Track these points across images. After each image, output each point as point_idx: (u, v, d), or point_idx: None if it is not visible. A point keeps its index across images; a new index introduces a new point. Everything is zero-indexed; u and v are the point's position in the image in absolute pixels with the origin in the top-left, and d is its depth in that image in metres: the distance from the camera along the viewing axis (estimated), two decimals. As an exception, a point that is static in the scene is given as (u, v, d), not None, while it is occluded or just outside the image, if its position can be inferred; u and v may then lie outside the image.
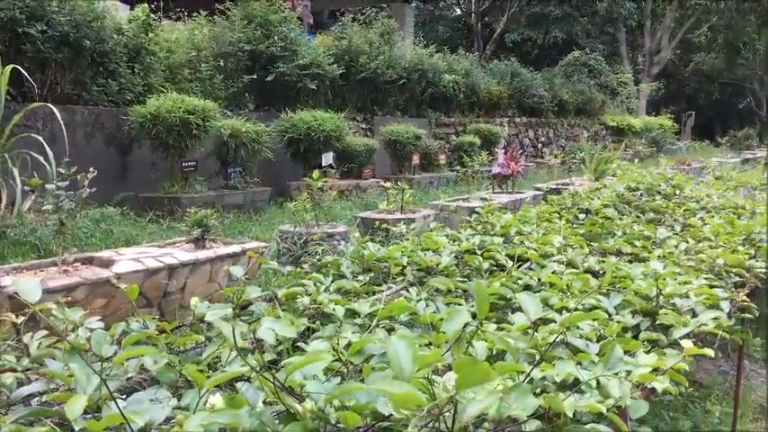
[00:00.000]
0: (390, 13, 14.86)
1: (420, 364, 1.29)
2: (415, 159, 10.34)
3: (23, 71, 5.76)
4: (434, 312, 2.60)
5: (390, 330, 2.38)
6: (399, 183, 9.43)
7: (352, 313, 2.52)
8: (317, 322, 2.50)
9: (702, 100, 33.18)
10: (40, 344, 2.00)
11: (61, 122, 6.02)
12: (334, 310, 2.45)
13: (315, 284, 2.77)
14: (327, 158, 8.49)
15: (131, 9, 8.37)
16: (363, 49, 10.77)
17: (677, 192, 6.45)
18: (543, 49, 25.47)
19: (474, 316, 2.56)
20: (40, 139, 5.76)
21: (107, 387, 1.24)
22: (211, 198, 6.87)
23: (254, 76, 8.90)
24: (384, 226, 4.76)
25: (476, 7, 23.71)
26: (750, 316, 2.86)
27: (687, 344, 1.93)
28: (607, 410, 1.70)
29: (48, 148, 5.61)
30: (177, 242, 4.00)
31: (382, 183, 6.79)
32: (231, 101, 8.65)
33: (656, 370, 1.87)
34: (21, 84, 6.20)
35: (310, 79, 9.25)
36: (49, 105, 6.03)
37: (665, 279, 2.84)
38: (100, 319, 3.21)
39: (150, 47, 7.71)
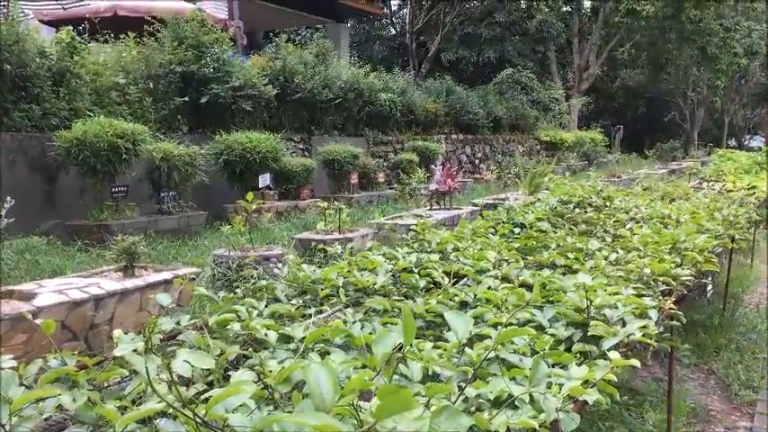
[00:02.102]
0: (326, 33, 14.90)
1: (344, 392, 1.26)
2: (354, 178, 10.34)
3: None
4: (370, 333, 2.58)
5: (324, 354, 2.33)
6: (338, 202, 9.42)
7: (285, 338, 2.46)
8: (250, 349, 2.44)
9: (630, 114, 34.58)
10: (-54, 387, 1.87)
11: (-20, 151, 5.76)
12: (266, 335, 2.39)
13: (247, 310, 2.70)
14: (264, 180, 8.40)
15: (56, 31, 8.09)
16: (298, 69, 10.74)
17: (607, 203, 6.65)
18: (478, 68, 26.03)
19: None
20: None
21: (6, 435, 1.15)
22: (144, 224, 6.66)
23: (187, 99, 8.74)
24: (321, 247, 4.71)
25: (410, 27, 24.07)
26: (677, 323, 2.94)
27: (615, 355, 1.97)
28: (540, 426, 1.70)
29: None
30: (105, 271, 3.84)
31: (320, 203, 6.75)
32: (163, 124, 8.45)
33: (587, 382, 1.90)
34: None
35: (245, 100, 9.15)
36: (-34, 132, 5.75)
37: (595, 290, 2.90)
38: (20, 356, 3.05)
39: (76, 70, 7.46)
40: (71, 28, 7.60)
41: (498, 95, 18.86)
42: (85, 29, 8.07)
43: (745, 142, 38.13)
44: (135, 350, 1.50)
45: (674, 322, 2.97)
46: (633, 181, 11.30)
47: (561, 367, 2.20)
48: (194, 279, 3.90)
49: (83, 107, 7.42)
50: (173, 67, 8.72)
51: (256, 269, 4.22)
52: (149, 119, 8.18)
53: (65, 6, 10.57)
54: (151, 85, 8.53)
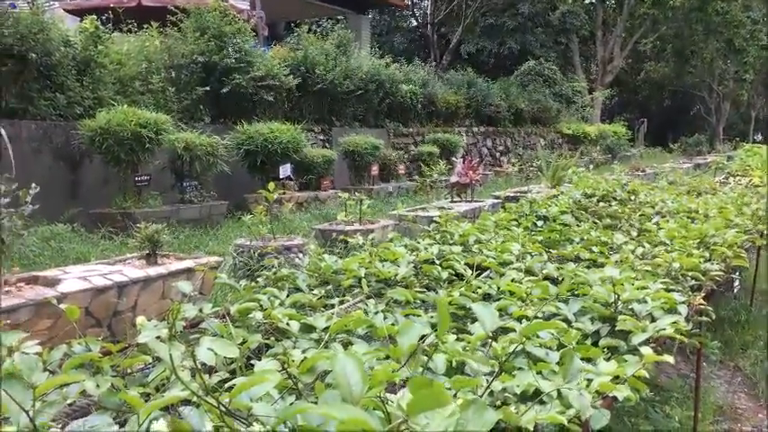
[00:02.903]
0: (347, 24, 14.85)
1: (371, 383, 1.23)
2: (374, 170, 10.30)
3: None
4: (393, 324, 2.55)
5: (347, 344, 2.31)
6: (358, 193, 9.41)
7: (307, 328, 2.44)
8: (272, 338, 2.42)
9: (654, 107, 34.09)
10: (-29, 372, 1.87)
11: (5, 137, 5.80)
12: (288, 325, 2.37)
13: (269, 299, 2.68)
14: (285, 170, 8.39)
15: (81, 21, 8.14)
16: (319, 60, 10.71)
17: (632, 197, 6.55)
18: (499, 59, 25.81)
19: (433, 327, 2.51)
20: (-18, 155, 5.55)
21: (30, 419, 1.14)
22: (166, 212, 6.70)
23: (209, 88, 8.75)
24: (342, 237, 4.69)
25: (431, 18, 23.90)
26: (707, 319, 2.88)
27: (647, 351, 1.92)
28: (568, 421, 1.67)
29: (-7, 164, 5.40)
30: (128, 259, 3.86)
31: (341, 194, 6.74)
32: (185, 113, 8.48)
33: (616, 378, 1.85)
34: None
35: (266, 91, 9.14)
36: (-8, 120, 5.81)
37: (622, 284, 2.84)
38: (44, 342, 3.07)
39: (100, 59, 7.51)
40: (95, 17, 7.63)
41: (520, 87, 18.68)
42: (109, 18, 8.11)
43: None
44: (158, 337, 1.48)
45: (704, 318, 2.91)
46: (658, 175, 11.14)
47: (588, 362, 2.15)
48: (216, 268, 3.90)
49: (106, 96, 7.46)
50: (195, 57, 8.73)
51: (277, 259, 4.22)
52: (172, 108, 8.21)
53: (89, -4, 10.64)
54: (173, 75, 8.56)
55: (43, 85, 6.91)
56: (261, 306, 2.67)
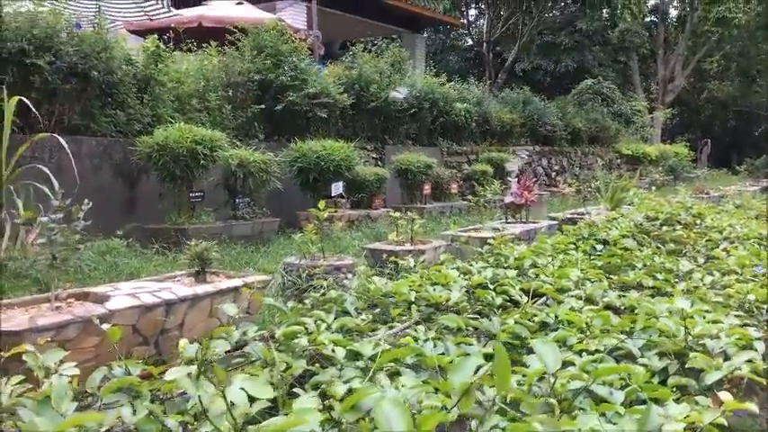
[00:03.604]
0: (402, 43, 14.88)
1: (420, 428, 1.12)
2: (427, 189, 10.20)
3: (28, 102, 5.70)
4: (443, 354, 2.42)
5: (394, 374, 2.19)
6: (410, 212, 9.30)
7: (354, 355, 2.34)
8: (317, 364, 2.33)
9: (718, 127, 32.92)
10: (11, 391, 1.84)
11: (69, 153, 5.95)
12: (333, 351, 2.27)
13: (315, 323, 2.60)
14: (337, 188, 8.37)
15: (144, 40, 8.36)
16: (374, 78, 10.72)
17: (698, 221, 6.24)
18: (555, 78, 25.44)
19: (487, 357, 2.37)
20: (46, 170, 5.69)
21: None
22: (218, 229, 6.74)
23: (263, 106, 8.84)
24: (392, 258, 4.59)
25: (487, 36, 23.77)
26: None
27: (726, 397, 1.74)
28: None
29: (53, 179, 5.52)
30: (177, 276, 3.85)
31: (392, 213, 6.65)
32: (240, 131, 8.58)
33: (691, 424, 1.68)
34: (28, 115, 6.14)
35: (320, 108, 9.18)
36: (56, 136, 5.96)
37: (692, 317, 2.64)
38: (90, 359, 3.06)
39: (159, 77, 7.67)
40: (156, 37, 7.81)
41: (577, 106, 18.31)
42: (170, 38, 8.30)
43: None
44: (190, 373, 1.40)
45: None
46: (723, 198, 10.67)
47: (656, 403, 1.98)
48: (264, 287, 3.85)
49: (165, 113, 7.61)
50: (251, 75, 8.84)
51: (326, 279, 4.15)
52: (227, 126, 8.31)
53: (152, 17, 10.95)
54: (230, 93, 8.68)
55: (105, 102, 7.09)
56: (306, 330, 2.59)
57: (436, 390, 1.91)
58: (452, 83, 13.02)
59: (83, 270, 5.29)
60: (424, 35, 22.09)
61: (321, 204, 4.60)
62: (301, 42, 9.48)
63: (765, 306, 3.00)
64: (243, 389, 1.17)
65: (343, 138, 9.26)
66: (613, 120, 19.05)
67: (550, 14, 24.56)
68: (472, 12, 27.71)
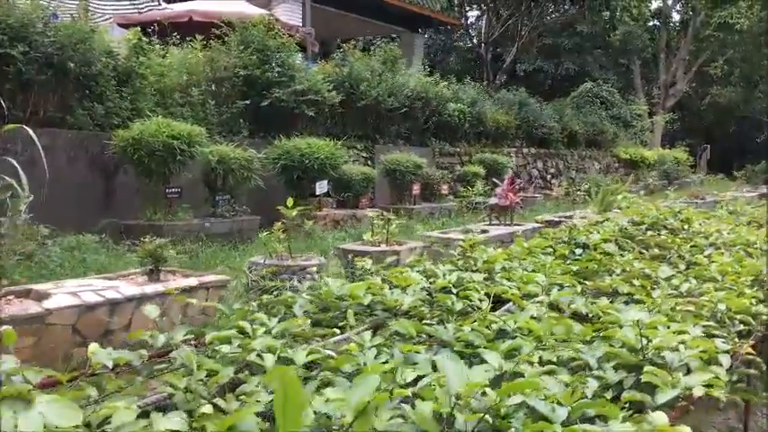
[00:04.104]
0: (400, 43, 14.72)
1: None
2: (416, 189, 10.04)
3: (-2, 92, 5.56)
4: (386, 362, 2.27)
5: (325, 385, 2.04)
6: (398, 213, 9.14)
7: (287, 362, 2.18)
8: (247, 372, 2.18)
9: (719, 133, 32.68)
10: None
11: (39, 146, 5.80)
12: (259, 357, 2.11)
13: (253, 327, 2.44)
14: (322, 187, 8.22)
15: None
16: (364, 76, 10.56)
17: (685, 227, 6.07)
18: (556, 80, 25.26)
19: (435, 367, 2.21)
20: (14, 162, 5.54)
21: None
22: (196, 226, 6.59)
23: (249, 102, 8.69)
24: (358, 258, 4.43)
25: (486, 37, 23.61)
26: (755, 372, 2.48)
27: (661, 418, 1.58)
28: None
29: (21, 173, 5.37)
30: (132, 274, 3.70)
31: (379, 213, 6.49)
32: (224, 127, 8.43)
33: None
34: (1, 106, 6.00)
35: (307, 105, 9.02)
36: (26, 128, 5.80)
37: (656, 328, 2.48)
38: (27, 360, 2.90)
39: (141, 70, 7.52)
40: (138, 29, 7.67)
41: (575, 109, 18.14)
42: (155, 30, 8.15)
43: None
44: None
45: (752, 371, 2.51)
46: (718, 203, 10.50)
47: (605, 422, 1.83)
48: (223, 287, 3.70)
49: (146, 107, 7.46)
50: (237, 70, 8.69)
51: (290, 279, 3.99)
52: (211, 121, 8.16)
53: (141, 10, 10.81)
54: (214, 88, 8.53)
55: (82, 94, 6.94)
56: (245, 334, 2.43)
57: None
58: (446, 82, 12.84)
59: (47, 266, 5.14)
60: (424, 35, 21.93)
61: (290, 202, 4.45)
62: (289, 38, 9.31)
63: (738, 315, 2.84)
64: (42, 413, 1.01)
65: (333, 136, 9.11)
66: (612, 123, 18.87)
67: (551, 17, 24.38)
68: (473, 13, 27.57)
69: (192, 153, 6.62)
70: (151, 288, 3.29)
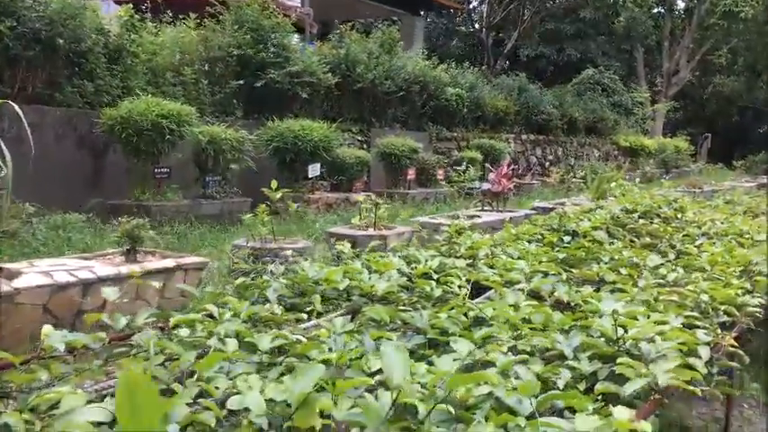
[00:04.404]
0: (401, 25, 14.56)
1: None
2: (411, 174, 9.95)
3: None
4: (356, 348, 2.21)
5: (288, 371, 1.98)
6: (392, 198, 9.06)
7: (251, 347, 2.12)
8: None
9: (721, 123, 32.49)
10: None
11: (25, 123, 5.71)
12: (224, 343, 2.05)
13: (219, 311, 2.38)
14: (314, 170, 8.14)
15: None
16: (361, 58, 10.43)
17: (679, 215, 6.00)
18: (558, 67, 25.03)
19: (413, 354, 2.17)
20: (-1, 139, 5.47)
21: None
22: (185, 207, 6.52)
23: (242, 83, 8.59)
24: (337, 243, 4.36)
25: (486, 22, 23.36)
26: (735, 365, 2.43)
27: (622, 413, 1.52)
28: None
29: (5, 149, 5.30)
30: (110, 254, 3.63)
31: (374, 197, 6.42)
32: (218, 107, 8.33)
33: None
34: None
35: (302, 87, 8.91)
36: (11, 104, 5.72)
37: (636, 318, 2.42)
38: (-6, 340, 2.84)
39: (132, 48, 7.41)
40: (130, 6, 7.55)
41: (576, 96, 17.98)
42: (148, 8, 8.03)
43: None
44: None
45: (733, 363, 2.45)
46: (715, 193, 10.42)
47: (573, 412, 1.77)
48: (202, 269, 3.64)
49: (137, 86, 7.36)
50: (231, 50, 8.58)
51: (272, 262, 3.93)
52: (204, 101, 8.07)
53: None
54: (207, 68, 8.43)
55: (71, 71, 6.85)
56: (212, 318, 2.37)
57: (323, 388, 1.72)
58: (444, 65, 12.71)
59: (30, 244, 5.08)
60: (425, 18, 21.70)
61: (274, 184, 4.38)
62: (285, 18, 9.18)
63: (722, 306, 2.78)
64: None
65: (328, 119, 9.00)
66: (613, 111, 18.71)
67: (553, 2, 24.13)
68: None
69: (182, 133, 6.54)
70: (127, 269, 3.23)
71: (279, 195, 4.31)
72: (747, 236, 4.81)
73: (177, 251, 4.52)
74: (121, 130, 6.27)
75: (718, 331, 2.57)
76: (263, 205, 4.41)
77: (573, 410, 1.77)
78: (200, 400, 1.74)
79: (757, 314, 2.79)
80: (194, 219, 6.45)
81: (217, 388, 1.84)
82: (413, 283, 3.20)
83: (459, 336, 2.36)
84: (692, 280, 3.40)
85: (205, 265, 3.73)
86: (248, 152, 7.31)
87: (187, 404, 1.79)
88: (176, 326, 2.22)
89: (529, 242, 4.14)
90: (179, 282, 3.44)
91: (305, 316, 2.58)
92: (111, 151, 6.91)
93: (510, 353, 2.20)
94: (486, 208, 6.78)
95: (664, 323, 2.40)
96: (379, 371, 1.89)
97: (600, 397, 1.93)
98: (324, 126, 8.20)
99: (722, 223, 5.57)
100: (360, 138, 10.59)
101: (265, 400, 1.54)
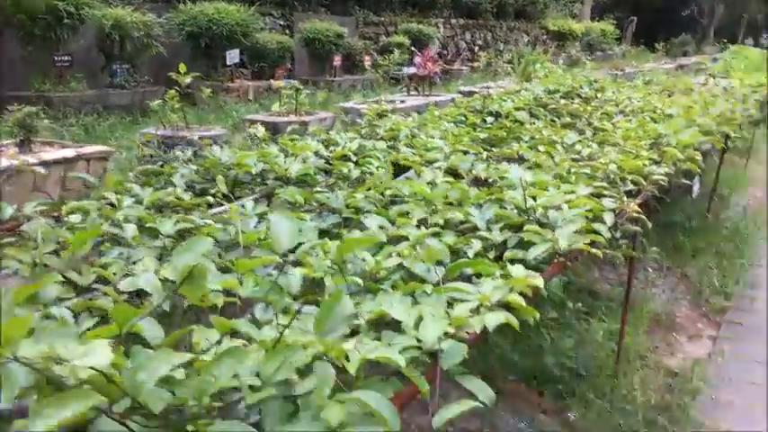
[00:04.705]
0: None
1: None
2: (337, 60, 9.63)
3: None
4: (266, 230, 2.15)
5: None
6: (318, 85, 8.79)
7: (152, 232, 2.03)
8: (108, 244, 2.02)
9: (647, 6, 32.65)
10: None
11: None
12: (122, 228, 1.95)
13: (117, 198, 2.26)
14: (233, 56, 7.73)
15: None
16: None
17: (598, 95, 6.08)
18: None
19: (324, 234, 2.15)
20: None
21: None
22: (91, 97, 6.12)
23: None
24: (251, 128, 4.21)
25: None
26: (638, 229, 2.51)
27: (519, 271, 1.54)
28: (420, 355, 1.31)
29: None
30: (3, 145, 3.38)
31: (297, 84, 6.18)
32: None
33: (482, 304, 1.48)
34: None
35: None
36: None
37: (546, 189, 2.45)
38: None
39: None
40: None
41: (505, -22, 17.54)
42: None
43: (763, 42, 36.34)
44: None
45: (637, 228, 2.54)
46: (636, 74, 10.59)
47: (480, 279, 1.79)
48: (106, 159, 3.44)
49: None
50: None
51: (184, 151, 3.76)
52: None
53: None
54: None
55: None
56: (111, 205, 2.25)
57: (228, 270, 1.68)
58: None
59: None
60: None
61: (183, 68, 4.11)
62: None
63: (630, 176, 2.84)
64: None
65: (246, 1, 8.46)
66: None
67: None
68: None
69: (82, 16, 6.01)
70: (22, 160, 3.01)
71: (188, 80, 4.06)
72: (659, 111, 4.93)
73: (84, 143, 4.26)
74: (13, 15, 5.70)
75: (624, 199, 2.64)
76: (173, 90, 4.16)
77: (481, 277, 1.80)
78: (97, 285, 1.68)
79: (662, 182, 2.88)
80: (102, 110, 6.08)
81: (114, 274, 1.77)
82: (331, 166, 3.13)
83: (375, 213, 2.35)
84: (604, 154, 3.48)
85: (110, 155, 3.53)
86: (158, 37, 6.83)
87: (85, 290, 1.72)
88: (71, 214, 2.10)
89: (452, 124, 4.09)
90: (82, 172, 3.25)
91: (213, 200, 2.48)
92: (4, 38, 6.32)
93: (423, 227, 2.20)
94: (412, 93, 6.67)
95: (573, 193, 2.45)
96: (293, 251, 1.85)
97: (508, 264, 1.97)
98: (240, 9, 7.72)
99: (638, 101, 5.68)
100: (282, 22, 10.07)
101: (160, 279, 1.48)
